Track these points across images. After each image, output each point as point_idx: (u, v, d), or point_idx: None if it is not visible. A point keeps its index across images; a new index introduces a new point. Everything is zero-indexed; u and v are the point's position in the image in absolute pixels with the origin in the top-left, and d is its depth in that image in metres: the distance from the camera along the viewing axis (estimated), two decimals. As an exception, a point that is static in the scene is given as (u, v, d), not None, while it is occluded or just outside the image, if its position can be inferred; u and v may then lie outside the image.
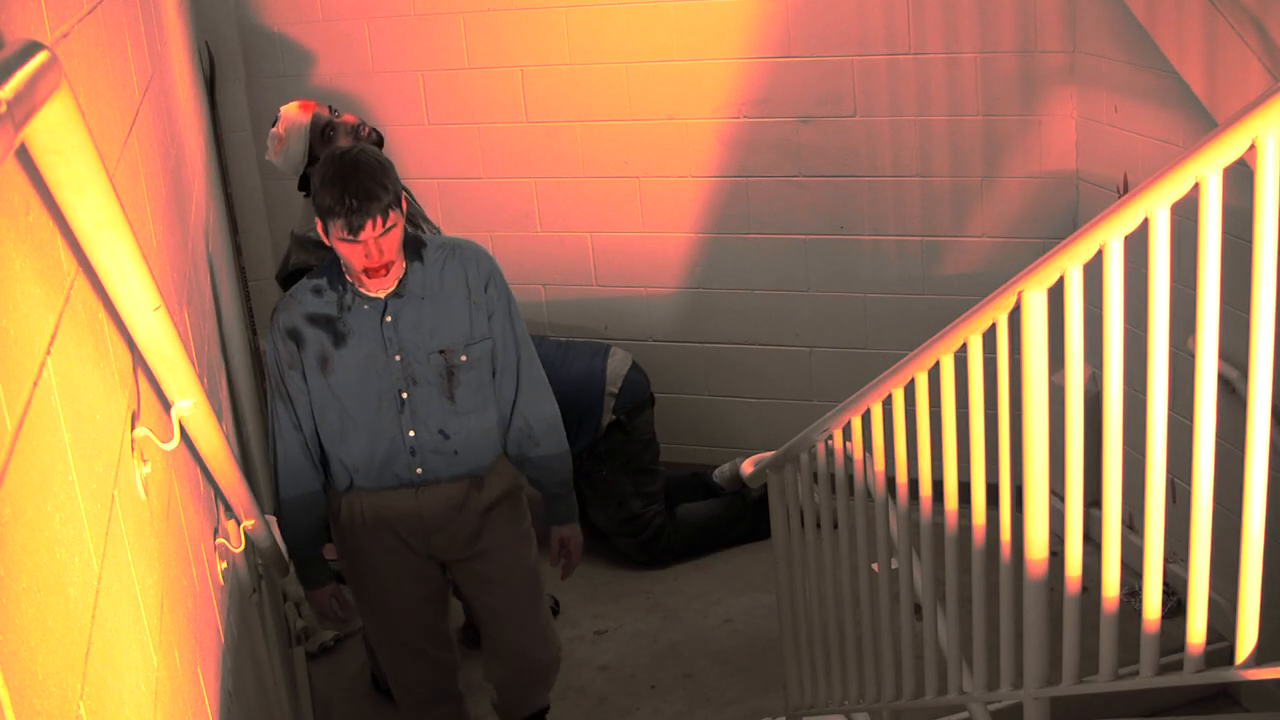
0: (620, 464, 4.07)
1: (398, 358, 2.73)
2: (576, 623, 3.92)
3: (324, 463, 2.85)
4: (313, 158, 3.33)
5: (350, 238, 2.55)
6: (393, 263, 2.64)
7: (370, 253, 2.58)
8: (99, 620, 0.97)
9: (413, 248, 2.75)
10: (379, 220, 2.54)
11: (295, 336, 2.74)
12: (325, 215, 2.56)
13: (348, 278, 2.71)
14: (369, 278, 2.64)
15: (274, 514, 2.74)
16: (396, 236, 2.61)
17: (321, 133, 3.33)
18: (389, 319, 2.72)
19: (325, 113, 3.37)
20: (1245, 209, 1.57)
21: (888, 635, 2.57)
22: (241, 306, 4.37)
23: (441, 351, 2.75)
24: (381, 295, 2.71)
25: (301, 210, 3.39)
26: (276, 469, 2.84)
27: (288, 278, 3.33)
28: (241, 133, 4.71)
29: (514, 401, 2.88)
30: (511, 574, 2.99)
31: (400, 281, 2.72)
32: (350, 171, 2.54)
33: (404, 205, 2.64)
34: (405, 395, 2.75)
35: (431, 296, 2.74)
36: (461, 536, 2.90)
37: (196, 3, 4.43)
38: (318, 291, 2.75)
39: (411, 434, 2.78)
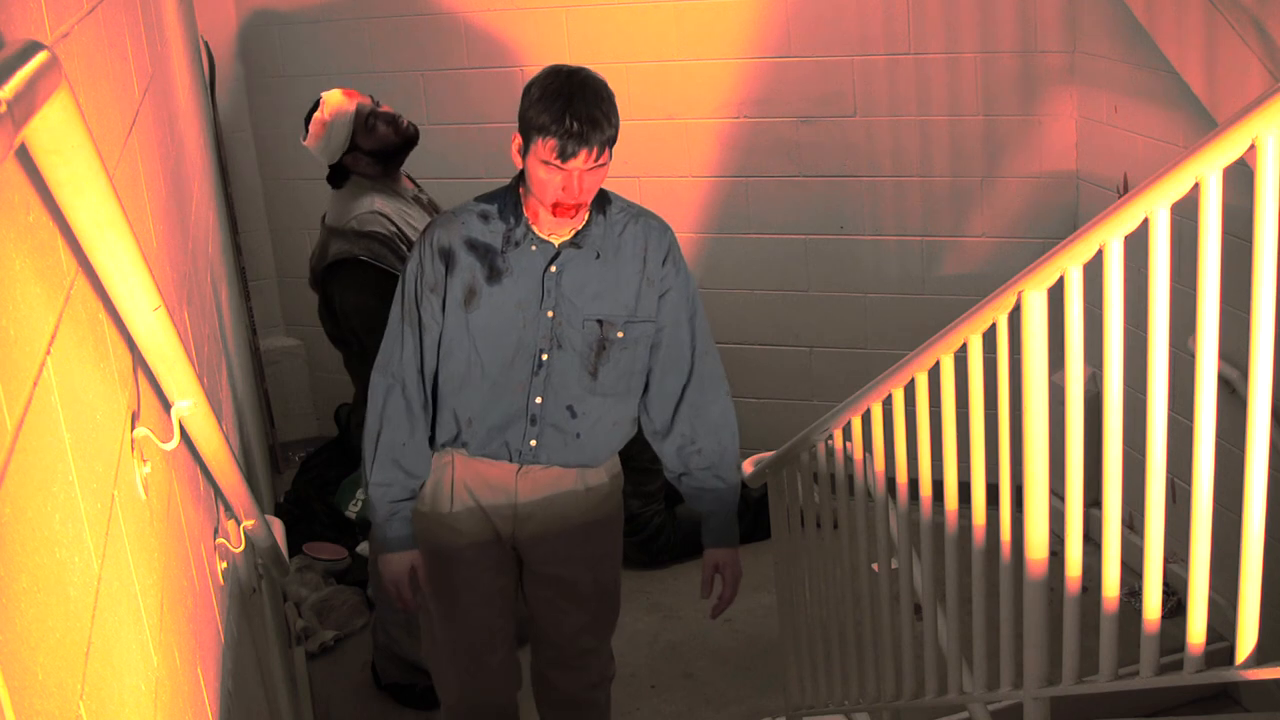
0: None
1: (550, 314, 2.43)
2: (576, 623, 3.92)
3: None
4: (352, 146, 3.28)
5: (557, 163, 2.25)
6: (587, 205, 2.36)
7: (570, 187, 2.28)
8: (99, 620, 0.97)
9: (599, 200, 2.44)
10: (595, 151, 2.25)
11: (448, 257, 2.43)
12: (537, 131, 2.26)
13: (524, 210, 2.41)
14: (555, 215, 2.33)
15: (373, 454, 2.49)
16: (602, 177, 2.33)
17: (365, 121, 3.28)
18: (554, 269, 2.42)
19: (368, 102, 3.32)
20: (1245, 209, 1.57)
21: (888, 635, 2.57)
22: (241, 306, 4.38)
23: (599, 321, 2.44)
24: (556, 241, 2.42)
25: (333, 202, 3.35)
26: (382, 405, 2.49)
27: (327, 269, 3.30)
28: (241, 133, 4.72)
29: (680, 398, 2.55)
30: (598, 591, 2.70)
31: (579, 232, 2.42)
32: (578, 91, 2.25)
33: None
34: (545, 357, 2.45)
35: (606, 257, 2.44)
36: (554, 533, 2.60)
37: (196, 3, 4.43)
38: (485, 218, 2.44)
39: (538, 400, 2.47)
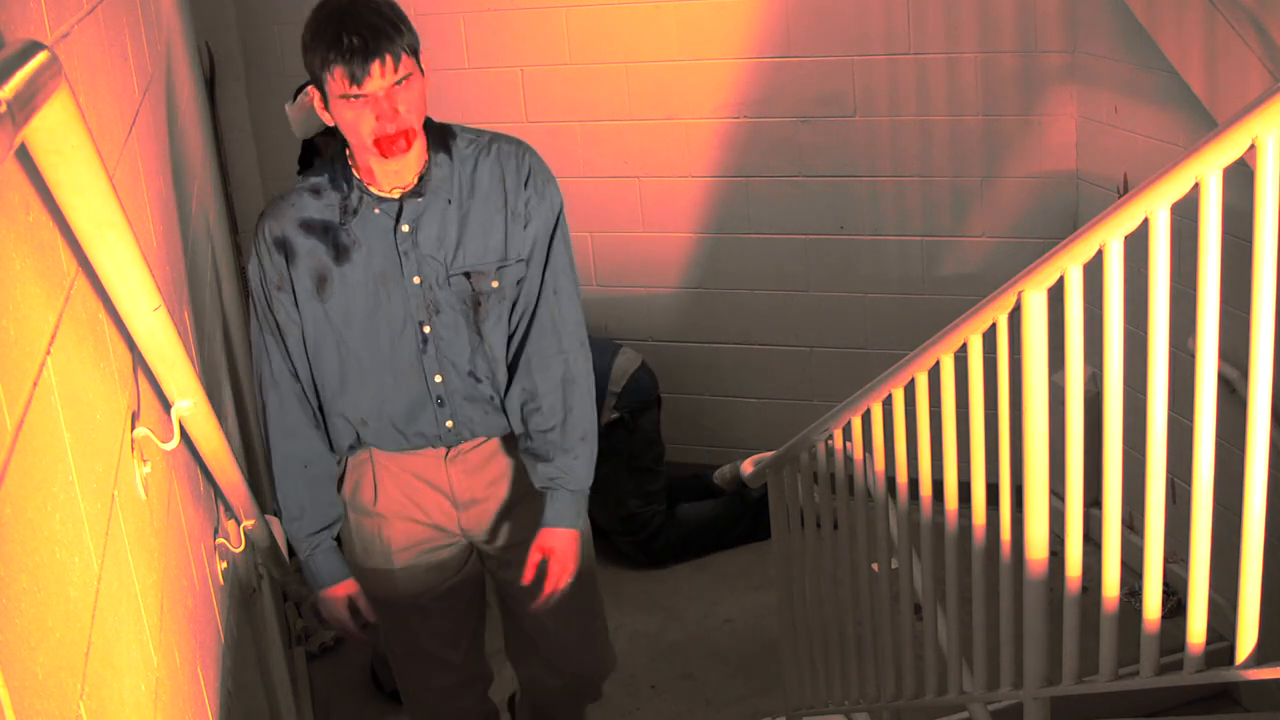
0: (622, 462, 4.06)
1: (417, 280, 2.16)
2: (576, 623, 3.92)
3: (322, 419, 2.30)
4: (329, 131, 3.19)
5: (354, 91, 1.98)
6: (413, 132, 2.05)
7: (383, 112, 1.99)
8: (99, 620, 0.97)
9: (439, 137, 2.17)
10: (389, 62, 1.97)
11: (284, 247, 2.17)
12: (321, 69, 1.99)
13: (354, 171, 2.16)
14: (384, 155, 2.04)
15: (274, 489, 2.30)
16: (417, 95, 2.04)
17: None
18: (405, 228, 2.15)
19: None
20: (1245, 209, 1.57)
21: (888, 635, 2.57)
22: (241, 306, 4.37)
23: (467, 274, 2.18)
24: (396, 195, 2.14)
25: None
26: (268, 426, 2.26)
27: None
28: (241, 133, 4.72)
29: (521, 344, 2.24)
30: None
31: (421, 178, 2.15)
32: (348, 9, 2.00)
33: (423, 64, 2.08)
34: (428, 329, 2.18)
35: (459, 201, 2.17)
36: (499, 513, 2.36)
37: (196, 3, 4.43)
38: (316, 192, 2.18)
39: (438, 379, 2.21)
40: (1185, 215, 1.67)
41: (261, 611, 2.63)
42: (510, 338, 2.25)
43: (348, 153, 2.16)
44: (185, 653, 1.37)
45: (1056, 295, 1.88)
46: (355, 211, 2.16)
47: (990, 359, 2.03)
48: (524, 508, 2.36)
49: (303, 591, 3.89)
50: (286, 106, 3.28)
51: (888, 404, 2.39)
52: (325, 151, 3.24)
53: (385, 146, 2.03)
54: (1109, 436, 1.84)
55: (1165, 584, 1.84)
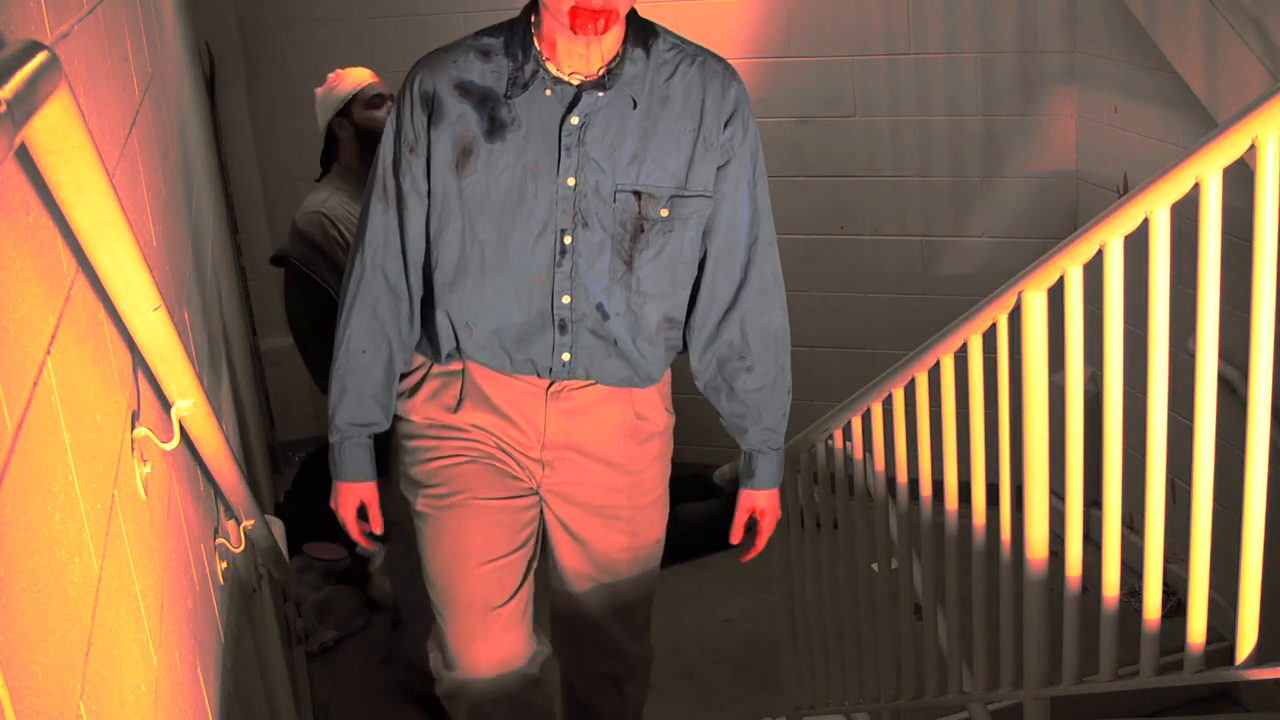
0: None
1: (571, 181, 1.87)
2: (576, 623, 3.92)
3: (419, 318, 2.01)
4: (345, 110, 3.15)
5: None
6: (616, 15, 1.77)
7: None
8: (99, 620, 0.97)
9: (640, 32, 1.91)
10: None
11: (431, 105, 1.89)
12: None
13: (535, 41, 1.87)
14: (576, 29, 1.76)
15: (340, 356, 2.01)
16: None
17: (370, 100, 3.18)
18: (574, 119, 1.86)
19: (387, 96, 3.20)
20: (1245, 209, 1.57)
21: (888, 635, 2.57)
22: (242, 306, 4.38)
23: (636, 193, 1.88)
24: (575, 81, 1.86)
25: (308, 198, 3.27)
26: (345, 291, 1.97)
27: (273, 260, 3.26)
28: (242, 133, 4.72)
29: (732, 302, 2.01)
30: (639, 544, 2.18)
31: (609, 71, 1.87)
32: None
33: None
34: (569, 239, 1.89)
35: (647, 107, 1.88)
36: (591, 478, 2.07)
37: (196, 3, 4.43)
38: (485, 54, 1.89)
39: (566, 300, 1.92)
40: (1185, 215, 1.67)
41: (261, 611, 2.63)
42: (698, 289, 2.00)
43: (533, 19, 1.88)
44: (185, 653, 1.37)
45: (1056, 295, 1.88)
46: (525, 86, 1.86)
47: (990, 359, 2.03)
48: (620, 481, 2.09)
49: (303, 592, 3.90)
50: (318, 91, 3.20)
51: (888, 404, 2.39)
52: (341, 150, 3.20)
53: (581, 20, 1.75)
54: (1109, 436, 1.84)
55: (1165, 584, 1.84)
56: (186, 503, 1.65)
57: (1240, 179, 1.71)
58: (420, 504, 2.07)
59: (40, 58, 0.81)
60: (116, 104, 1.64)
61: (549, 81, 1.87)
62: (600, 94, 1.87)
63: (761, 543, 2.23)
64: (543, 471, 2.06)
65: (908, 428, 2.30)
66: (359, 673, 3.74)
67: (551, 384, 1.99)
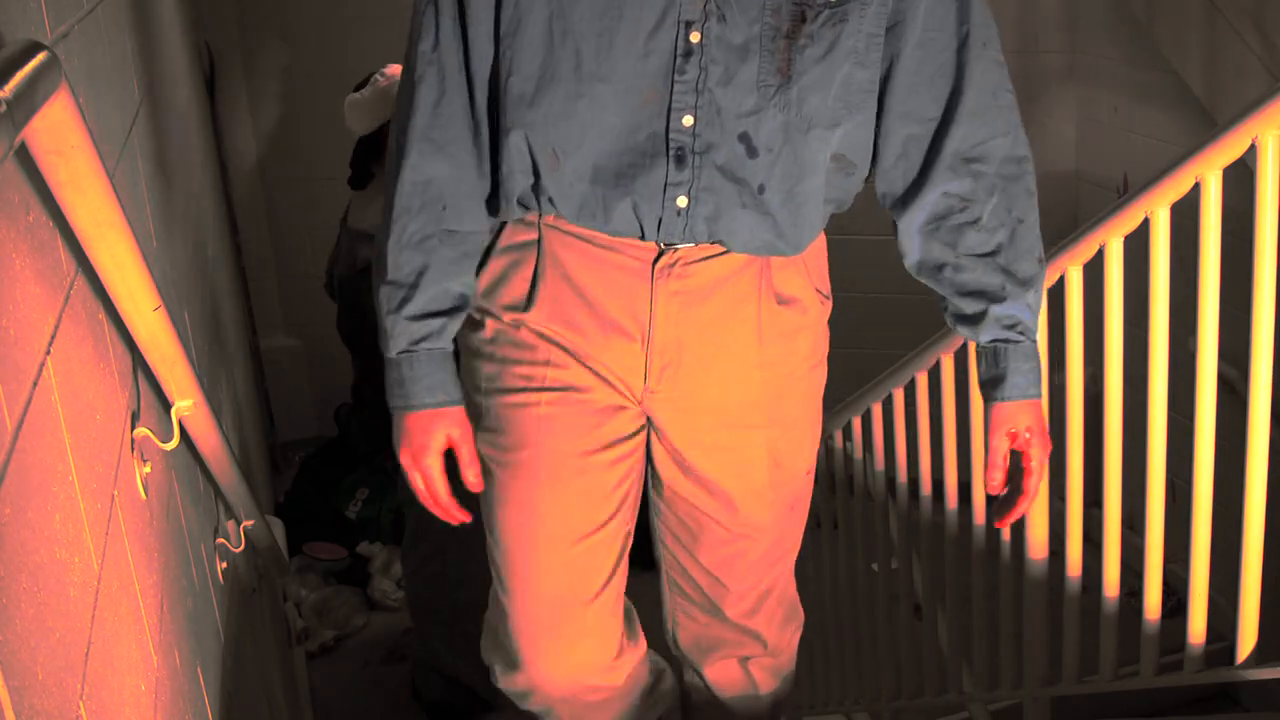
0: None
1: None
2: (576, 623, 3.91)
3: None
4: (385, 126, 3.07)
5: None
6: None
7: None
8: (99, 620, 0.97)
9: None
10: None
11: None
12: None
13: None
14: None
15: (388, 249, 1.44)
16: None
17: None
18: None
19: None
20: (1245, 209, 1.57)
21: (887, 635, 2.57)
22: (241, 306, 4.37)
23: None
24: None
25: (356, 205, 3.21)
26: (405, 129, 1.42)
27: (360, 274, 3.19)
28: (242, 132, 4.72)
29: (940, 133, 1.43)
30: (782, 477, 1.59)
31: None
32: None
33: None
34: (696, 37, 1.35)
35: None
36: (715, 382, 1.50)
37: (196, 3, 4.43)
38: None
39: (687, 121, 1.37)
40: (1185, 215, 1.67)
41: (261, 611, 2.63)
42: (904, 117, 1.44)
43: None
44: (185, 653, 1.37)
45: (1057, 295, 1.88)
46: None
47: (990, 359, 2.03)
48: (752, 389, 1.52)
49: (302, 592, 3.90)
50: (352, 97, 3.13)
51: (888, 404, 2.39)
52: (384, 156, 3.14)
53: None
54: (1109, 436, 1.84)
55: (1165, 584, 1.84)
56: (186, 503, 1.65)
57: (1240, 179, 1.71)
58: (480, 446, 1.53)
59: (40, 58, 0.81)
60: (116, 104, 1.64)
61: None
62: None
63: (1034, 486, 1.53)
64: (644, 385, 1.49)
65: (908, 428, 2.30)
66: (359, 673, 3.74)
67: (661, 255, 1.44)
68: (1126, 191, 2.04)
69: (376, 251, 1.47)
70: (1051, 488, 2.00)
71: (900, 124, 1.45)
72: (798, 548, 1.74)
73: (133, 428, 1.30)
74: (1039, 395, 1.52)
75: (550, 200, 1.44)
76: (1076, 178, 3.93)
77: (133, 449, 1.28)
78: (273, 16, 4.60)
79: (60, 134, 0.90)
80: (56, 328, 1.00)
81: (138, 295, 1.17)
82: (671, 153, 1.39)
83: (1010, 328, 1.49)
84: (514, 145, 1.42)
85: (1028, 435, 1.51)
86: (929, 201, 1.48)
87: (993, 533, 2.12)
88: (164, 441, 1.39)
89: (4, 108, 0.72)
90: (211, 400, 1.57)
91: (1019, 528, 2.05)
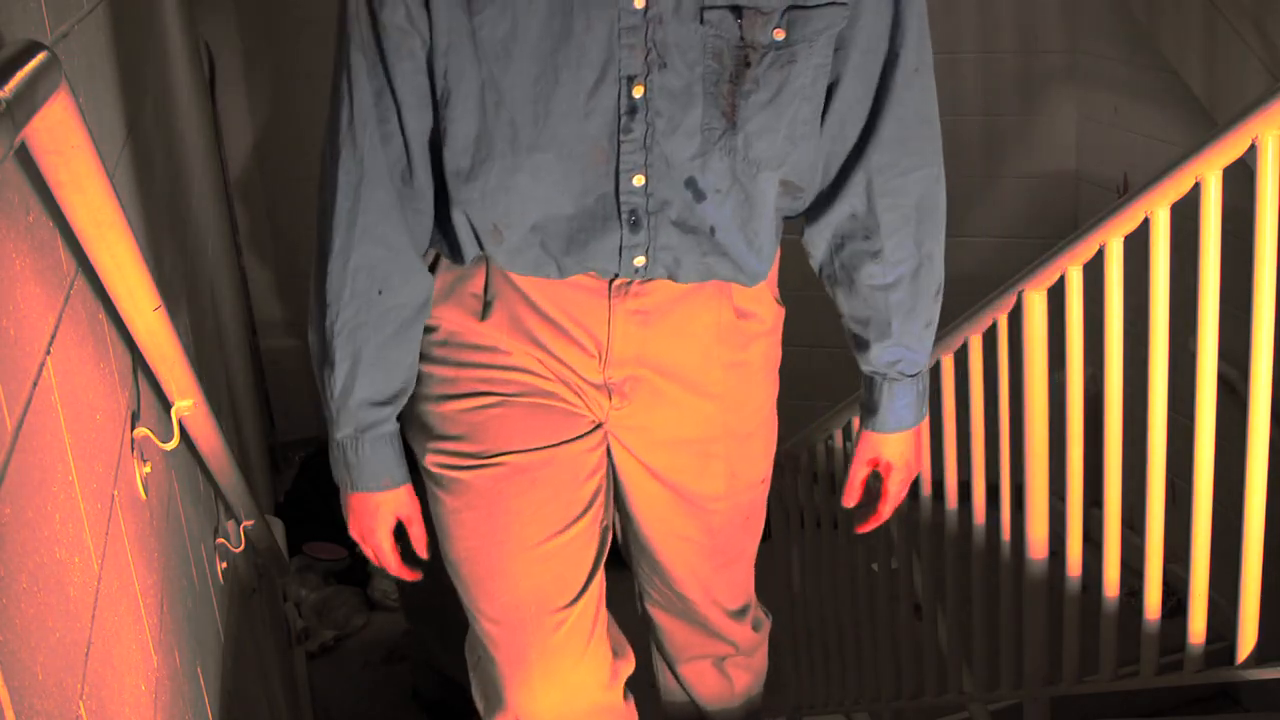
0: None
1: (639, 2, 1.25)
2: (576, 623, 3.91)
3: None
4: None
5: None
6: None
7: None
8: (99, 620, 0.97)
9: None
10: None
11: None
12: None
13: None
14: None
15: (325, 319, 1.39)
16: None
17: None
18: None
19: None
20: (1245, 209, 1.57)
21: (887, 635, 2.57)
22: (241, 306, 4.37)
23: (736, 8, 1.27)
24: None
25: None
26: (331, 211, 1.33)
27: None
28: (242, 133, 4.72)
29: (856, 153, 1.41)
30: (739, 486, 1.58)
31: None
32: None
33: None
34: (639, 92, 1.28)
35: None
36: (672, 399, 1.48)
37: (196, 3, 4.43)
38: None
39: (638, 181, 1.32)
40: (1185, 215, 1.67)
41: (262, 611, 2.63)
42: (829, 138, 1.41)
43: None
44: (185, 653, 1.37)
45: (1056, 295, 1.88)
46: None
47: (990, 359, 2.03)
48: (710, 403, 1.51)
49: (302, 592, 3.90)
50: None
51: (888, 404, 2.39)
52: None
53: None
54: (1109, 436, 1.84)
55: (1165, 584, 1.84)
56: (186, 503, 1.65)
57: (1240, 179, 1.71)
58: (431, 461, 1.48)
59: (40, 58, 0.81)
60: (116, 104, 1.64)
61: None
62: None
63: (886, 511, 1.60)
64: (608, 401, 1.47)
65: (908, 428, 2.30)
66: (359, 673, 3.74)
67: (613, 280, 1.40)
68: (1126, 191, 2.04)
69: (310, 329, 1.42)
70: (1051, 488, 2.00)
71: (825, 141, 1.43)
72: (754, 554, 1.73)
73: (133, 428, 1.30)
74: (914, 424, 1.55)
75: (495, 262, 1.41)
76: (1076, 178, 3.93)
77: (133, 449, 1.28)
78: (273, 16, 4.59)
79: (60, 134, 0.90)
80: (56, 328, 1.00)
81: (138, 295, 1.17)
82: (624, 216, 1.34)
83: (891, 364, 1.51)
84: (456, 219, 1.38)
85: (889, 463, 1.56)
86: (835, 219, 1.48)
87: (993, 533, 2.12)
88: (164, 441, 1.39)
89: (4, 108, 0.72)
90: (211, 400, 1.57)
91: (1019, 528, 2.05)
